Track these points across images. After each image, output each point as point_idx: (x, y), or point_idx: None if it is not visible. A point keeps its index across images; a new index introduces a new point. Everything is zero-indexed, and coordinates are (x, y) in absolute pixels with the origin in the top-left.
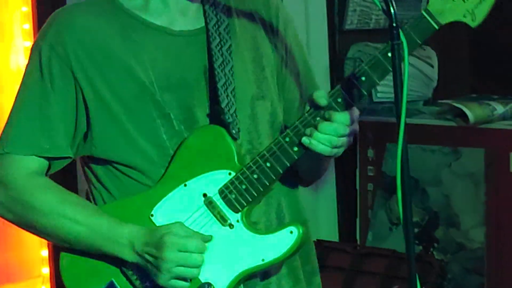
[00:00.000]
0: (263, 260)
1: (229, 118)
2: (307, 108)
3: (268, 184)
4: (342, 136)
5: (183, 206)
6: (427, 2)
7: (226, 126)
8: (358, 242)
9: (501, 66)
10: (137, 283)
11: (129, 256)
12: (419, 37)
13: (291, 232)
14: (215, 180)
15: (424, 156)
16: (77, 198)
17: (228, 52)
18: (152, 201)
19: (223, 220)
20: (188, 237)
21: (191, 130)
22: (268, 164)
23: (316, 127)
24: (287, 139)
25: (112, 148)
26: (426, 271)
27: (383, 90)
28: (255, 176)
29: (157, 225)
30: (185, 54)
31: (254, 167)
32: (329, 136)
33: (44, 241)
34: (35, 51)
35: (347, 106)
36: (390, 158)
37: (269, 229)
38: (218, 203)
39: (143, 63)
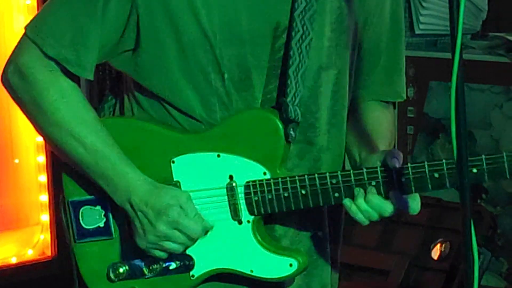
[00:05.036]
0: (251, 271)
1: (291, 114)
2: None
3: (293, 209)
4: (384, 215)
5: (206, 174)
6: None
7: (285, 122)
8: None
9: None
10: (109, 214)
11: (121, 201)
12: (489, 177)
13: (291, 265)
14: (248, 171)
15: (472, 95)
16: (93, 118)
17: (310, 21)
18: (180, 148)
19: (234, 213)
20: (191, 220)
21: (242, 93)
22: (303, 192)
23: (365, 192)
24: (334, 181)
25: (154, 81)
26: (476, 222)
27: (427, 21)
28: (286, 194)
29: (173, 174)
30: (260, 3)
31: (289, 185)
32: (371, 211)
33: (44, 186)
34: None
35: (405, 190)
36: (434, 97)
37: (278, 241)
38: (239, 195)
39: (210, 3)
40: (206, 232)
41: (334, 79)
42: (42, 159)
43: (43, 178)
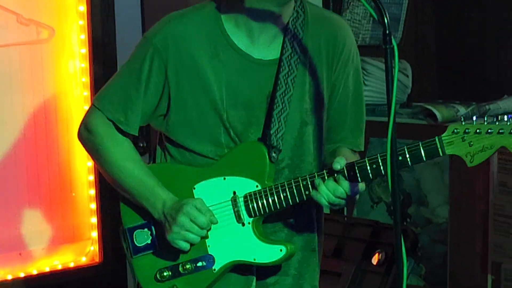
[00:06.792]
0: (254, 259)
1: (273, 142)
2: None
3: (278, 208)
4: (339, 198)
5: (216, 193)
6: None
7: (269, 148)
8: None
9: (463, 77)
10: (153, 233)
11: (158, 215)
12: (426, 155)
13: (281, 250)
14: (245, 186)
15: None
16: (138, 158)
17: (292, 82)
18: (199, 178)
19: (238, 217)
20: (201, 212)
21: (244, 141)
22: (284, 194)
23: (323, 181)
24: (304, 183)
25: (180, 136)
26: (403, 238)
27: (368, 94)
28: (272, 198)
29: (194, 196)
30: (256, 80)
31: (274, 191)
32: (329, 193)
33: (94, 212)
34: (145, 45)
35: (354, 180)
36: (373, 149)
37: (272, 237)
38: (240, 204)
39: (220, 80)
40: (211, 224)
41: (313, 132)
42: (92, 192)
43: (93, 206)
